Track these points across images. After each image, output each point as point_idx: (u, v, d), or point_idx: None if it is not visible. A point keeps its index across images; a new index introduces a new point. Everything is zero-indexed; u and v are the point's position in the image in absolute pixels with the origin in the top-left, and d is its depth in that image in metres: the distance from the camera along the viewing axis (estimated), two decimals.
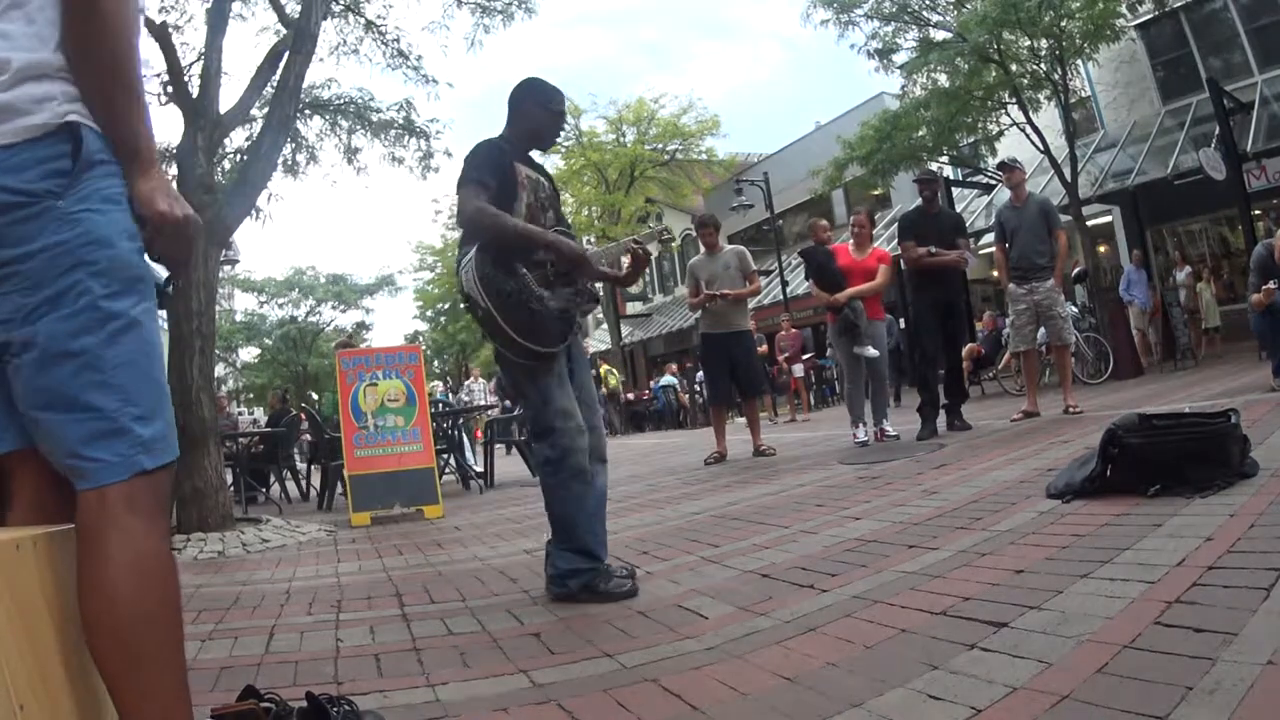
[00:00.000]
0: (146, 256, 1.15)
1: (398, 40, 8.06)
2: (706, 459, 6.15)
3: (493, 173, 2.42)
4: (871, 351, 5.76)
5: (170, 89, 6.01)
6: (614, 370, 19.76)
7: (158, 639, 1.02)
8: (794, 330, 13.11)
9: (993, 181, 14.08)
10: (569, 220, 2.83)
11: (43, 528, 1.03)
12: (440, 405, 8.62)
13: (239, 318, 31.96)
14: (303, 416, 9.61)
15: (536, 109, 2.57)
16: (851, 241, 6.21)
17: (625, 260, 2.70)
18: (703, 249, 6.37)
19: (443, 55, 24.06)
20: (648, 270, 30.88)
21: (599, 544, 2.42)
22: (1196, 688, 1.19)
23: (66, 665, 0.99)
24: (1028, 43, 11.93)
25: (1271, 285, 5.57)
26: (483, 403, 11.90)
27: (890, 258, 6.31)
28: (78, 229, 1.02)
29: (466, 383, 13.98)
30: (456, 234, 25.88)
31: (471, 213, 2.35)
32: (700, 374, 11.76)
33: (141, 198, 1.12)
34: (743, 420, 6.90)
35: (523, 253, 2.39)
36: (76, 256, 1.02)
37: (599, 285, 2.90)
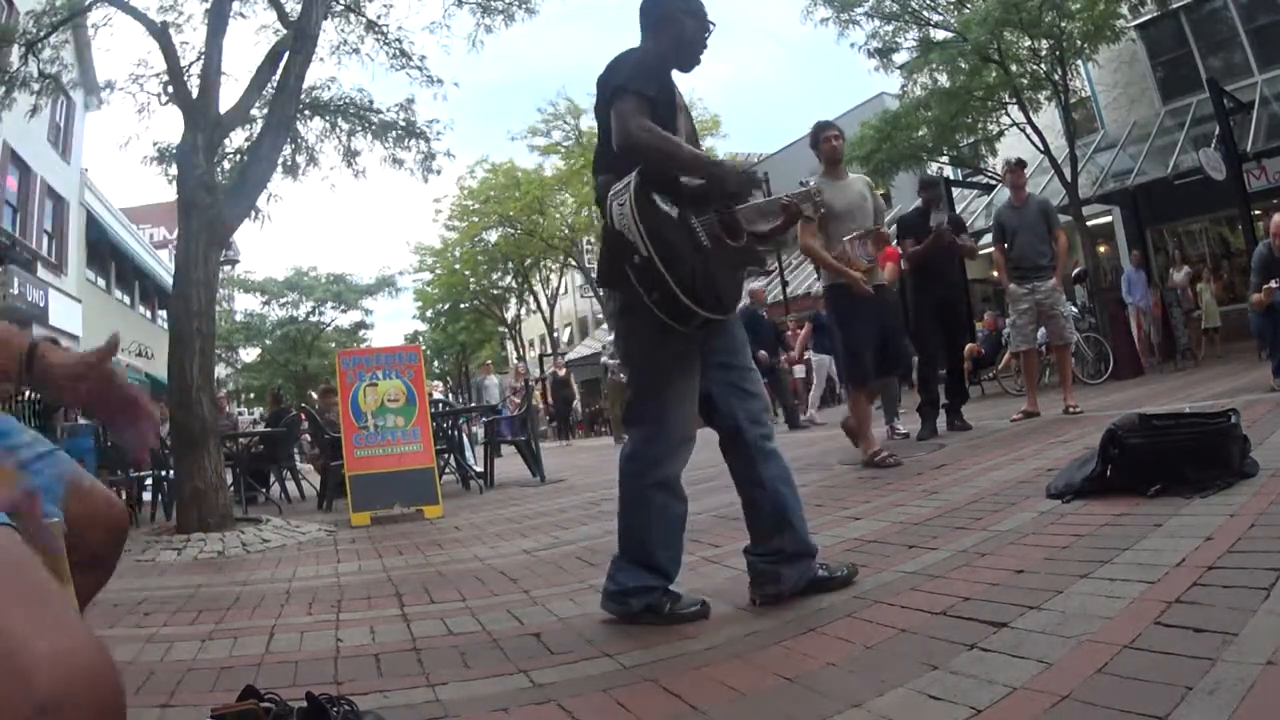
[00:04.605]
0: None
1: (399, 41, 8.06)
2: (873, 459, 4.34)
3: (656, 84, 2.00)
4: None
5: (170, 89, 6.02)
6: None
7: None
8: (800, 332, 12.98)
9: (993, 181, 14.08)
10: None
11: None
12: (440, 405, 8.62)
13: (239, 318, 32.00)
14: (303, 416, 9.60)
15: (683, 15, 2.12)
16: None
17: (763, 223, 2.30)
18: (823, 164, 4.73)
19: (445, 55, 24.07)
20: None
21: (673, 560, 2.05)
22: (1196, 688, 1.19)
23: None
24: (1028, 43, 11.94)
25: (1272, 285, 5.57)
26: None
27: (899, 256, 6.25)
28: None
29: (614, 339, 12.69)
30: (454, 235, 25.63)
31: (636, 130, 1.90)
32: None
33: None
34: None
35: (690, 193, 1.98)
36: None
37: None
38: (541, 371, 25.88)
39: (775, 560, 2.05)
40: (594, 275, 26.81)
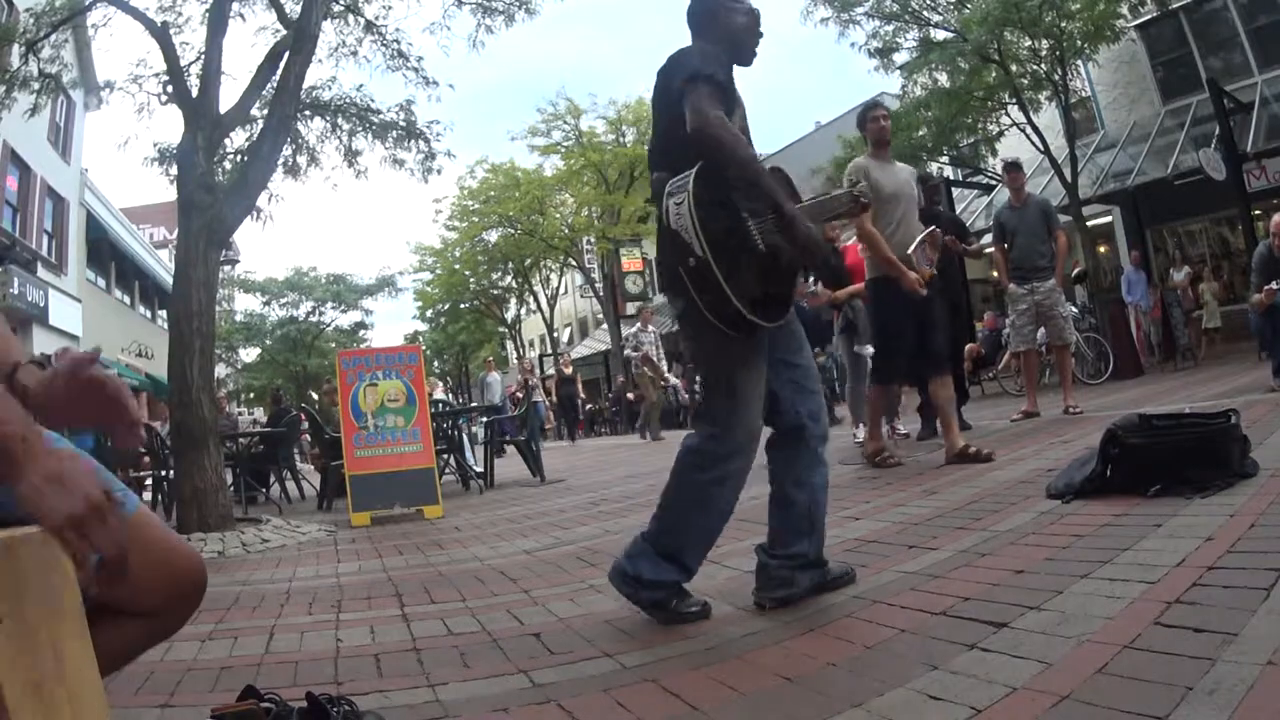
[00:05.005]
0: None
1: (398, 42, 8.06)
2: (878, 457, 4.33)
3: (727, 75, 1.94)
4: (870, 350, 5.75)
5: (170, 89, 6.02)
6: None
7: None
8: None
9: (993, 181, 14.08)
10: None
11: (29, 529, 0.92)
12: (441, 405, 8.61)
13: (239, 318, 32.01)
14: (303, 416, 9.61)
15: (727, 10, 2.08)
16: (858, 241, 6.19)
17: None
18: (870, 145, 4.48)
19: (444, 56, 24.13)
20: (647, 270, 30.32)
21: (698, 560, 2.03)
22: (1196, 688, 1.19)
23: (60, 673, 0.97)
24: (1028, 43, 11.95)
25: (1273, 286, 5.56)
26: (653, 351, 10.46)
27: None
28: None
29: (636, 332, 11.03)
30: (454, 235, 25.20)
31: (715, 120, 1.82)
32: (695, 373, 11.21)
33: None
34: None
35: (745, 196, 1.88)
36: None
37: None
38: (541, 370, 25.87)
39: (794, 566, 2.02)
40: (593, 275, 26.37)
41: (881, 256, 4.19)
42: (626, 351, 11.52)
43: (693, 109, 1.84)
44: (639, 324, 11.30)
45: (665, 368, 11.71)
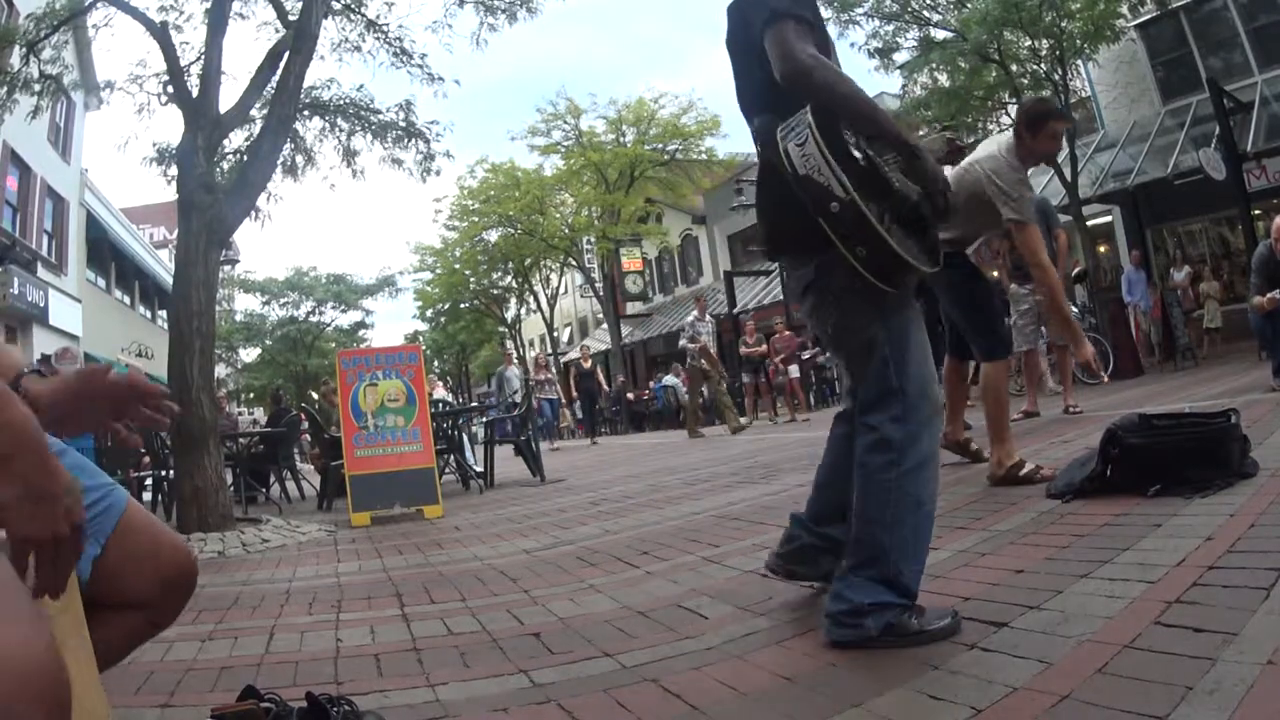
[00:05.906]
0: None
1: (400, 40, 8.07)
2: (1035, 475, 3.18)
3: (814, 11, 1.71)
4: None
5: (170, 89, 6.02)
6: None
7: None
8: (788, 332, 12.82)
9: None
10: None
11: None
12: (441, 405, 8.61)
13: (239, 318, 32.04)
14: (303, 416, 9.61)
15: None
16: None
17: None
18: (1026, 155, 3.31)
19: (447, 53, 24.04)
20: (647, 270, 30.23)
21: (916, 574, 1.67)
22: (1196, 688, 1.19)
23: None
24: (1028, 42, 11.95)
25: (1276, 295, 5.52)
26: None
27: None
28: None
29: (694, 321, 10.37)
30: (454, 235, 24.91)
31: (807, 58, 1.58)
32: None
33: None
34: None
35: (862, 135, 1.63)
36: None
37: None
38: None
39: (823, 547, 1.94)
40: (593, 275, 26.14)
41: (1060, 315, 3.48)
42: (682, 342, 10.92)
43: (781, 53, 1.60)
44: (695, 313, 10.61)
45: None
